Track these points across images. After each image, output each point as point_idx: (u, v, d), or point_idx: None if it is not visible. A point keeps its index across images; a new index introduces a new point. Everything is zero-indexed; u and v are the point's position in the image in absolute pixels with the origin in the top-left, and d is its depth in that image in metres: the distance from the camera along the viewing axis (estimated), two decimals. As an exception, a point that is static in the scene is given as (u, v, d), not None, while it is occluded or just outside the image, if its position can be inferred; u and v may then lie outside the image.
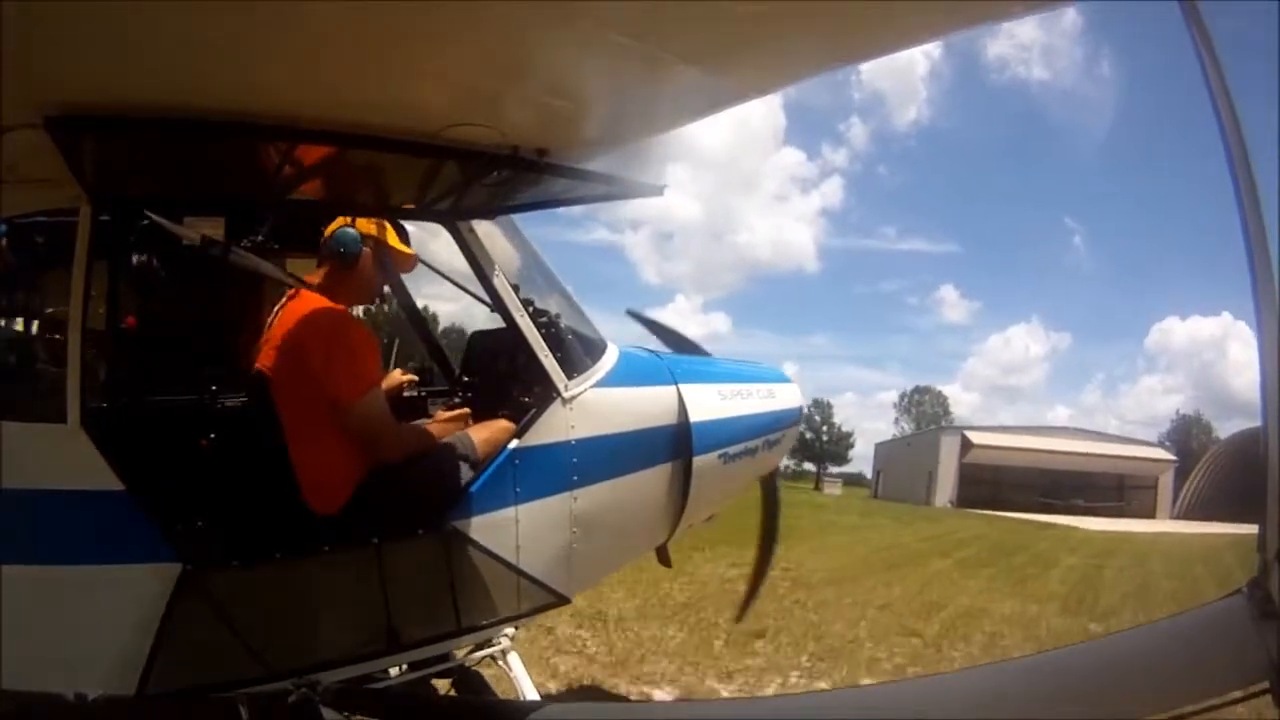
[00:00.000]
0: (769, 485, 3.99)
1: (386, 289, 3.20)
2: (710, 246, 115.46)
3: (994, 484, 44.21)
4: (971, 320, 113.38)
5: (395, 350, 4.36)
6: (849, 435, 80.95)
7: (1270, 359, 1.47)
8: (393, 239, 2.82)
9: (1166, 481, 44.40)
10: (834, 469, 74.16)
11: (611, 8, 1.74)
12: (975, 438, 45.50)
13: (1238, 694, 1.45)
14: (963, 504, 40.35)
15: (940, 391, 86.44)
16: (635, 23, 1.78)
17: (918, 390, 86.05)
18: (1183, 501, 43.35)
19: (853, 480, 68.78)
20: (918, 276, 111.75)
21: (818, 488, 52.91)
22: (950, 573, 12.01)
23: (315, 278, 2.73)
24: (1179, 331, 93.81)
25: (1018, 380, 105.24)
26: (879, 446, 63.52)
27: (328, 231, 2.72)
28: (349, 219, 2.73)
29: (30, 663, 2.11)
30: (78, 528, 2.24)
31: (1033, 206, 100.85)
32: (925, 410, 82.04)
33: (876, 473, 59.30)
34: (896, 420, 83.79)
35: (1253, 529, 1.49)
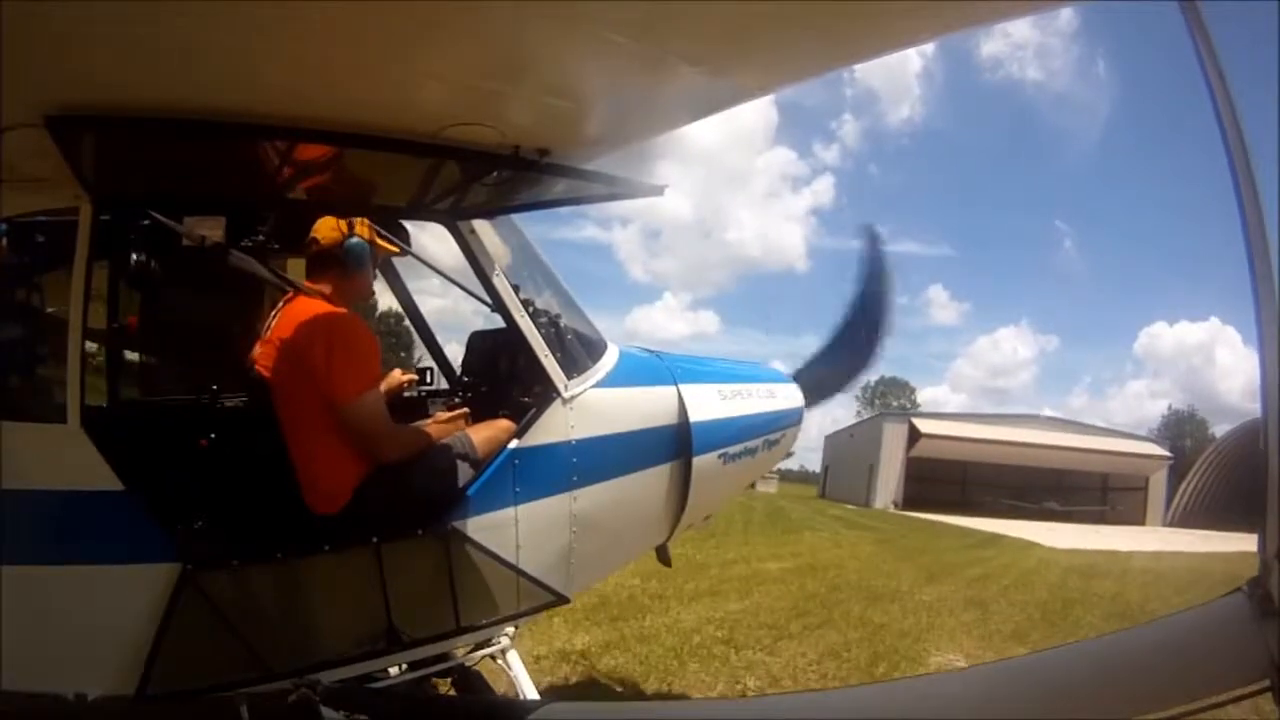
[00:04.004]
0: None
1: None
2: (699, 244, 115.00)
3: (961, 482, 38.25)
4: (960, 321, 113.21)
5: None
6: (788, 425, 74.37)
7: (1270, 358, 1.47)
8: (374, 234, 2.82)
9: (1159, 481, 37.53)
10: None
11: (612, 8, 1.74)
12: (924, 426, 37.34)
13: (1238, 693, 1.45)
14: (919, 506, 33.07)
15: (908, 382, 79.35)
16: (636, 23, 1.78)
17: (882, 381, 77.19)
18: (1179, 505, 37.21)
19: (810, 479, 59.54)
20: (908, 277, 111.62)
21: (752, 485, 47.30)
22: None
23: (311, 281, 2.73)
24: (1167, 336, 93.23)
25: (1005, 382, 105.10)
26: (828, 439, 50.65)
27: (323, 237, 2.69)
28: (337, 220, 2.71)
29: (30, 663, 2.11)
30: (78, 528, 2.24)
31: (1024, 209, 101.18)
32: (889, 403, 71.80)
33: (824, 468, 49.99)
34: (858, 413, 71.26)
35: None
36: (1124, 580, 12.50)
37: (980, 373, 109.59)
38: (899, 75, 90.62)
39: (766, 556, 12.55)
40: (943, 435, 36.57)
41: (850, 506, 33.65)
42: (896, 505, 35.40)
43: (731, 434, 3.34)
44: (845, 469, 43.77)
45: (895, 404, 71.95)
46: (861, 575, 11.08)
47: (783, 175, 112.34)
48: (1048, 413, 44.96)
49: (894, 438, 37.59)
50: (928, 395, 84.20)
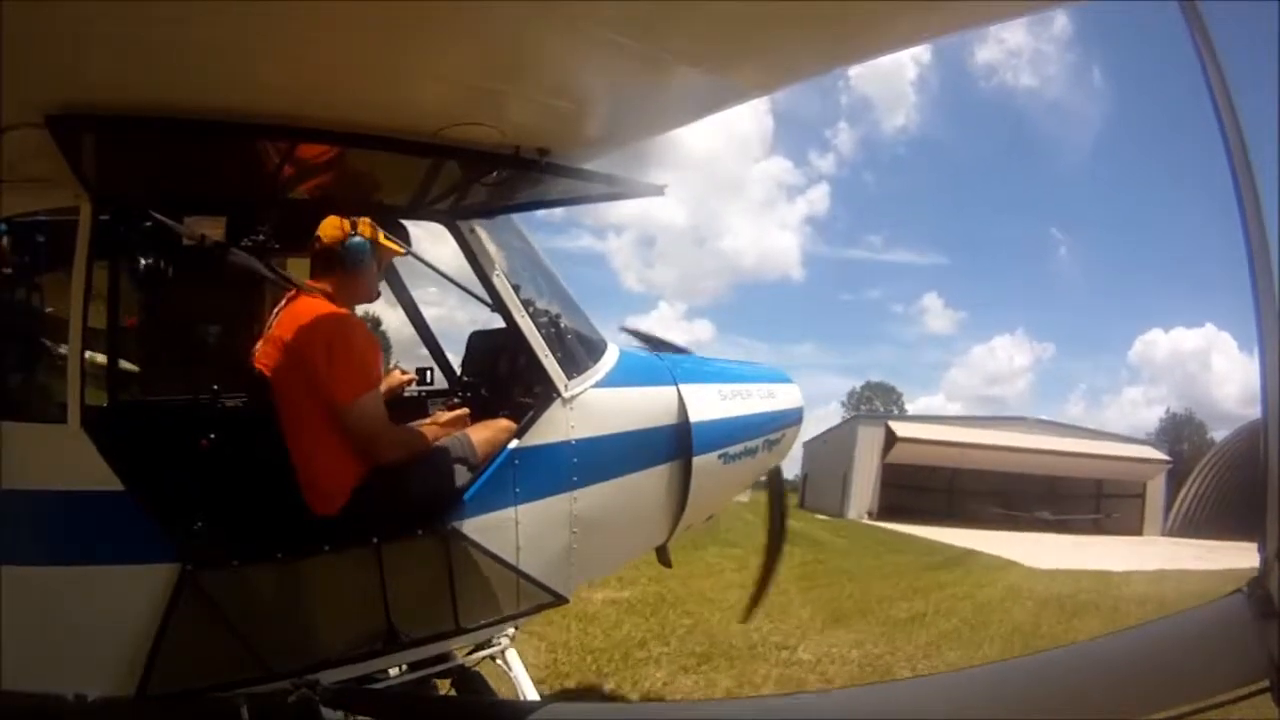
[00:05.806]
0: (774, 481, 4.01)
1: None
2: (694, 253, 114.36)
3: (947, 490, 35.08)
4: (956, 330, 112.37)
5: None
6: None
7: (1270, 359, 1.47)
8: (379, 234, 2.81)
9: (1157, 487, 33.65)
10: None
11: (612, 8, 1.74)
12: (902, 429, 33.48)
13: (1238, 693, 1.45)
14: (900, 515, 29.82)
15: (895, 388, 73.92)
16: (636, 23, 1.78)
17: (869, 387, 73.22)
18: (1178, 512, 33.56)
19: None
20: (903, 285, 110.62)
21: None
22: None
23: (314, 280, 2.73)
24: (1163, 344, 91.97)
25: (1001, 390, 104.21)
26: (806, 445, 42.67)
27: (326, 236, 2.68)
28: (340, 219, 2.71)
29: (30, 663, 2.11)
30: (78, 528, 2.24)
31: (1019, 216, 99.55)
32: (876, 410, 65.39)
33: (804, 476, 44.78)
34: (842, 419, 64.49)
35: None
36: (1115, 616, 9.52)
37: (976, 381, 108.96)
38: (894, 83, 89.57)
39: (610, 581, 8.21)
40: (922, 440, 32.69)
41: (822, 517, 31.05)
42: (871, 515, 31.69)
43: (732, 434, 3.34)
44: (822, 477, 39.23)
45: (880, 410, 66.03)
46: (729, 616, 7.75)
47: (778, 184, 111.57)
48: (1040, 416, 40.28)
49: (868, 442, 33.52)
50: (922, 404, 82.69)
